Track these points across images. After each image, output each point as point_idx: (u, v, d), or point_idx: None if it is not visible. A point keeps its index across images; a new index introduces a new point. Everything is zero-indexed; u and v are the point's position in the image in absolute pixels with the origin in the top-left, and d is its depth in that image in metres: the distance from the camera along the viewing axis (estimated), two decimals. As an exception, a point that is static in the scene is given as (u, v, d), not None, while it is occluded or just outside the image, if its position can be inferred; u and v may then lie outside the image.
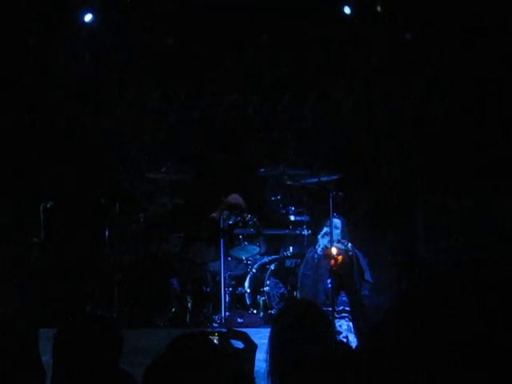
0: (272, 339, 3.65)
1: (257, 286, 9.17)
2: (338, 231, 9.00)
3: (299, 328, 3.55)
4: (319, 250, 9.01)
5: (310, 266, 8.99)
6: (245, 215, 9.32)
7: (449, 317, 1.35)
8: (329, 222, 8.96)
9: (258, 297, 9.11)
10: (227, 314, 8.82)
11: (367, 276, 9.05)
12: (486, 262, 1.42)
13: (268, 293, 9.05)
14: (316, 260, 8.99)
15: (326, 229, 9.01)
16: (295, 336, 3.53)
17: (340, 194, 8.87)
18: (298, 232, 9.61)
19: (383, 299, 9.24)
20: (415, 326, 1.38)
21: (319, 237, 9.09)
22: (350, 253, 8.96)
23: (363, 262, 9.06)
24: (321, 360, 3.27)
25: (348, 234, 9.15)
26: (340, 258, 8.90)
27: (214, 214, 9.42)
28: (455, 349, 1.33)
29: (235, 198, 9.52)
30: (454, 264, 1.46)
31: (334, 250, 8.80)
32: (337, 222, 8.94)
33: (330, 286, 8.71)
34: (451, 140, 10.19)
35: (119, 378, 3.72)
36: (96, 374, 3.60)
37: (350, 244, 9.00)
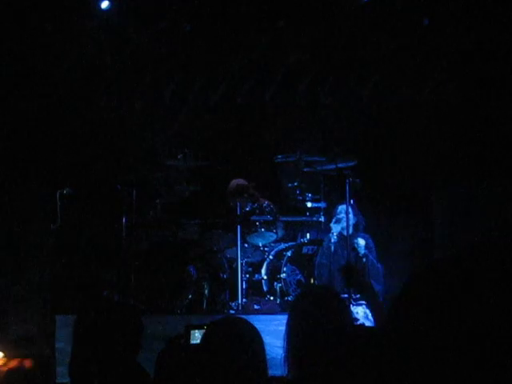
0: (289, 326, 3.62)
1: (274, 272, 9.16)
2: (350, 216, 9.00)
3: (316, 314, 3.53)
4: (333, 237, 9.00)
5: (326, 255, 8.99)
6: (262, 202, 9.30)
7: (446, 308, 1.34)
8: (337, 210, 9.01)
9: (275, 283, 9.11)
10: (244, 300, 8.83)
11: (373, 259, 9.08)
12: (486, 249, 1.41)
13: (285, 279, 9.04)
14: (332, 249, 8.98)
15: (337, 215, 9.04)
16: (312, 322, 3.51)
17: (357, 180, 8.84)
18: (314, 219, 9.59)
19: (399, 286, 9.19)
20: (416, 317, 1.38)
21: (331, 224, 9.10)
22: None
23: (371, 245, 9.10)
24: (339, 346, 3.25)
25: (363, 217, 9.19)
26: None
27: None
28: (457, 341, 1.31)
29: (234, 182, 9.45)
30: (453, 252, 1.45)
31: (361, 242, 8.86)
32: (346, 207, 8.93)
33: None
34: (471, 127, 10.14)
35: (133, 369, 3.71)
36: (113, 363, 3.59)
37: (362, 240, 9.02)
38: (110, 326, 3.67)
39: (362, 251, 8.92)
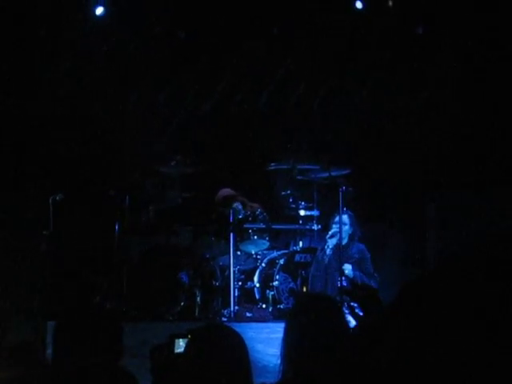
0: (286, 334, 3.61)
1: (266, 280, 9.15)
2: (347, 227, 8.98)
3: (314, 322, 3.52)
4: (328, 250, 8.99)
5: (320, 268, 8.98)
6: (254, 209, 9.30)
7: (439, 317, 1.34)
8: (336, 219, 8.96)
9: (267, 291, 9.09)
10: (236, 308, 8.81)
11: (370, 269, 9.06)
12: (477, 260, 1.42)
13: (277, 287, 9.03)
14: (326, 261, 8.97)
15: (334, 229, 8.98)
16: (310, 330, 3.50)
17: (350, 189, 8.84)
18: (307, 227, 9.59)
19: (392, 296, 9.17)
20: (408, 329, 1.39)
21: (327, 238, 9.07)
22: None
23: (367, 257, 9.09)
24: (336, 353, 3.25)
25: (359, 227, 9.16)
26: None
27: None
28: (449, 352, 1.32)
29: (221, 193, 9.47)
30: (442, 261, 1.45)
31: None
32: (344, 217, 8.90)
33: (339, 284, 8.66)
34: (464, 134, 10.15)
35: (115, 374, 3.69)
36: (95, 368, 3.58)
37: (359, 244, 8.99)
38: (89, 331, 3.66)
39: (350, 275, 8.90)
